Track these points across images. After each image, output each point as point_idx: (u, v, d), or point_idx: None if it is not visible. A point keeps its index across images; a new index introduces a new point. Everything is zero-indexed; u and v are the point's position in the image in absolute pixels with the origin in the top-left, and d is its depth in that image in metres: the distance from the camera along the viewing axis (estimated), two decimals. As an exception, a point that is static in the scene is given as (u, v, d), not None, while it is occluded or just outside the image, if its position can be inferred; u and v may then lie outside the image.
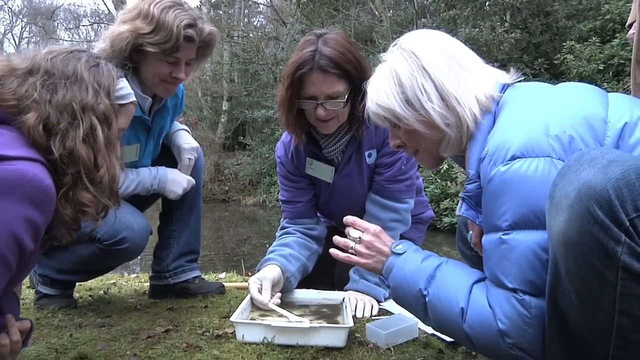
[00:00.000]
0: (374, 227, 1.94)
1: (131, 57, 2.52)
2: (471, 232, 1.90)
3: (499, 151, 1.55)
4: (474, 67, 1.79)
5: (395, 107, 1.77)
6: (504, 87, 1.77)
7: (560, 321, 1.41)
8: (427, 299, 1.70)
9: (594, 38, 12.61)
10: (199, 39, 2.58)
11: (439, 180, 12.97)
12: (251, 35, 24.32)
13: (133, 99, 1.90)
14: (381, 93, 1.80)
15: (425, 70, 1.73)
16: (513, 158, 1.51)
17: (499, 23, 14.53)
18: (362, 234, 1.93)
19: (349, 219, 2.00)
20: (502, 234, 1.53)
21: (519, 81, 1.82)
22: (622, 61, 11.97)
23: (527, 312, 1.49)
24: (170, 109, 2.91)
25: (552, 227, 1.33)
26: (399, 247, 1.85)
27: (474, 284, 1.66)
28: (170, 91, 2.73)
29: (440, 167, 12.81)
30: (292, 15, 22.77)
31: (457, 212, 1.86)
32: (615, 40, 12.41)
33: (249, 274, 4.32)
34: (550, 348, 1.46)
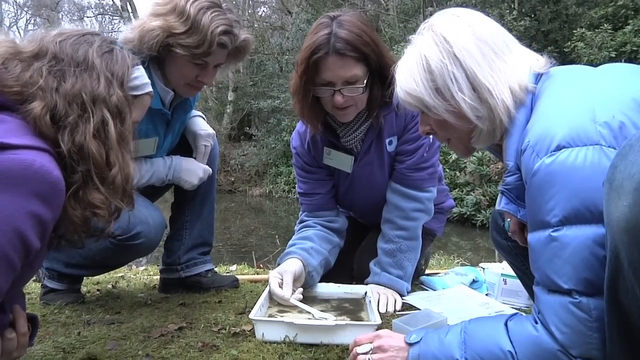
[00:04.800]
0: (380, 331, 1.81)
1: (157, 52, 2.37)
2: (508, 220, 1.77)
3: (541, 142, 1.42)
4: (509, 53, 1.65)
5: (424, 96, 1.66)
6: (538, 77, 1.64)
7: (622, 319, 1.27)
8: None
9: (605, 25, 12.45)
10: (232, 46, 2.44)
11: (447, 170, 12.85)
12: (256, 25, 24.14)
13: (149, 89, 1.75)
14: (409, 80, 1.68)
15: (456, 57, 1.61)
16: (558, 148, 1.38)
17: (507, 11, 14.39)
18: (371, 344, 1.75)
19: (352, 343, 1.82)
20: (552, 231, 1.39)
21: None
22: (635, 48, 11.82)
23: (587, 316, 1.34)
24: (192, 103, 2.80)
25: (612, 214, 1.18)
26: (412, 337, 1.68)
27: (506, 323, 1.53)
28: (192, 93, 2.62)
29: (449, 157, 12.74)
30: (297, 4, 22.63)
31: (496, 207, 1.72)
32: (627, 26, 12.22)
33: (261, 265, 4.21)
34: (611, 350, 1.31)
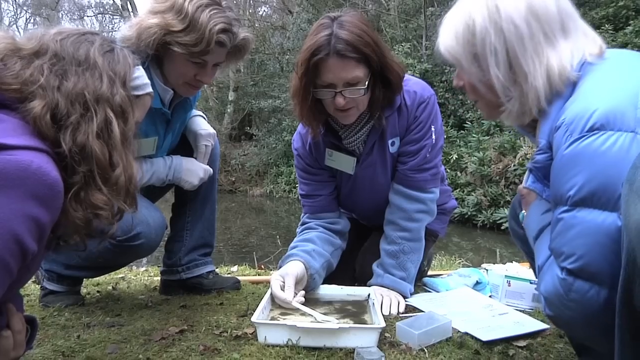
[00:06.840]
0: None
1: (156, 50, 2.35)
2: (524, 212, 1.76)
3: (577, 120, 1.38)
4: (562, 37, 1.57)
5: (461, 57, 1.64)
6: (583, 65, 1.54)
7: (635, 324, 1.23)
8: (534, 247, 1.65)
9: (606, 25, 12.43)
10: (231, 45, 2.41)
11: (448, 170, 12.81)
12: (257, 24, 24.12)
13: (149, 89, 1.73)
14: (451, 37, 1.65)
15: (502, 31, 1.55)
16: (591, 129, 1.34)
17: (509, 11, 14.31)
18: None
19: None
20: (564, 209, 1.39)
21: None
22: (635, 49, 11.74)
23: (563, 293, 1.37)
24: (192, 102, 2.77)
25: (631, 216, 1.15)
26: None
27: None
28: (191, 93, 2.59)
29: (450, 157, 12.71)
30: (298, 4, 22.61)
31: (523, 185, 1.70)
32: (629, 27, 12.22)
33: (262, 266, 4.19)
34: (623, 354, 1.28)
